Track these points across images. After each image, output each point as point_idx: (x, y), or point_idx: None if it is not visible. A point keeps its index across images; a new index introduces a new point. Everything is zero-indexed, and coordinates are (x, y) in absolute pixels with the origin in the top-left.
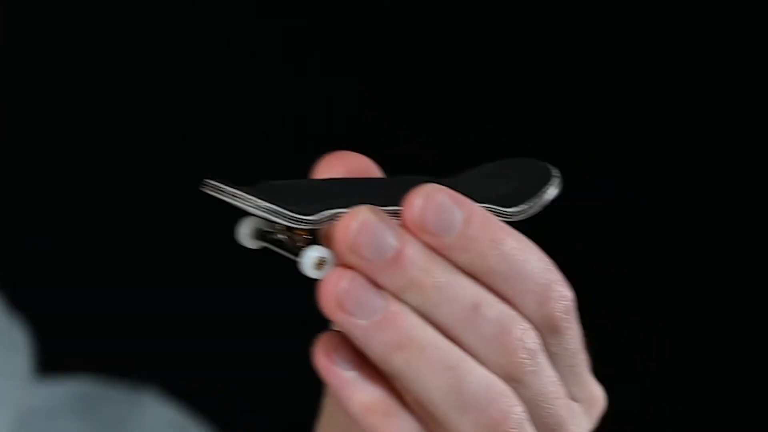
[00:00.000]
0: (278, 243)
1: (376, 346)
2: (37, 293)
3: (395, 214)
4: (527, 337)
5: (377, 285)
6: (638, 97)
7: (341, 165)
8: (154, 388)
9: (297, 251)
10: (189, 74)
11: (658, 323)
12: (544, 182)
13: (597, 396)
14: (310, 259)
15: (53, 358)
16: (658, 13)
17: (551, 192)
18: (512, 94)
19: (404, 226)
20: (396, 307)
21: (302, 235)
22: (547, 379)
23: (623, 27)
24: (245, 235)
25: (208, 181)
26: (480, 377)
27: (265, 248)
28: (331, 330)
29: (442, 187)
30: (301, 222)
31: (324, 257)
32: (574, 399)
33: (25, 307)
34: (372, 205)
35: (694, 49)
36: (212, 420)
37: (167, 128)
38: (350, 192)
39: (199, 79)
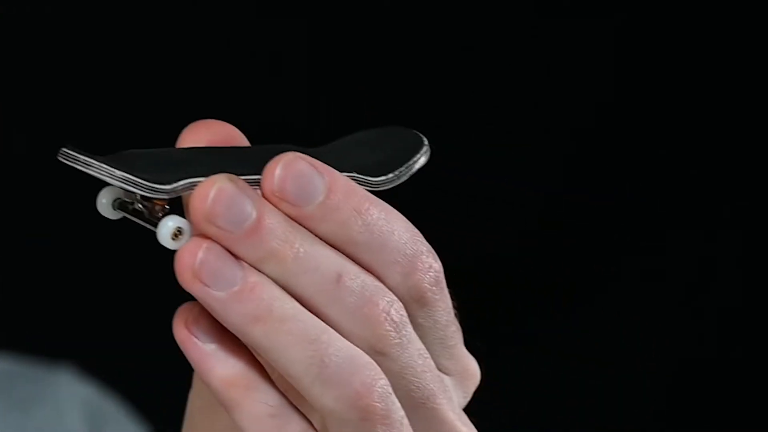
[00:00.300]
0: (137, 213)
1: (233, 317)
2: None
3: (256, 183)
4: (392, 308)
5: (236, 256)
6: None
7: (207, 133)
8: (72, 366)
9: (155, 222)
10: (189, 75)
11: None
12: (415, 151)
13: (472, 370)
14: (167, 229)
15: None
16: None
17: (420, 161)
18: (511, 94)
19: (264, 195)
20: (254, 277)
21: (161, 205)
22: (414, 351)
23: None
24: (104, 204)
25: (63, 149)
26: (342, 349)
27: (125, 218)
28: (191, 301)
29: (303, 155)
30: (157, 191)
31: (181, 227)
32: (446, 372)
33: None
34: (230, 174)
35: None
36: (130, 398)
37: (165, 129)
38: (211, 161)
39: (198, 81)
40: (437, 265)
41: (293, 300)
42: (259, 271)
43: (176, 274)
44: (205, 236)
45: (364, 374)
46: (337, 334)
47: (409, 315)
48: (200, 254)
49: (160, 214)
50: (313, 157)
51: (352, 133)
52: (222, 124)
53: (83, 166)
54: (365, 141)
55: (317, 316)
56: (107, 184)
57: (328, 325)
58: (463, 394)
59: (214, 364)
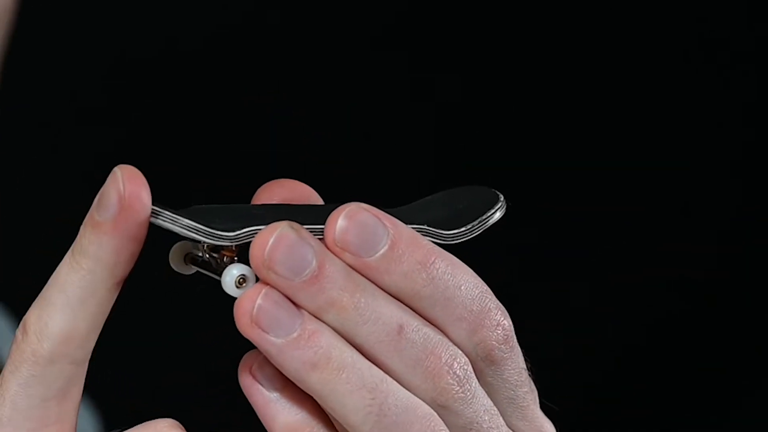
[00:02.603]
0: (206, 265)
1: (291, 364)
2: None
3: (320, 233)
4: (455, 362)
5: (296, 303)
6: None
7: (281, 191)
8: None
9: (222, 271)
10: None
11: None
12: (491, 206)
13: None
14: (230, 276)
15: None
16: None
17: (496, 216)
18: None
19: (326, 244)
20: (312, 325)
21: (230, 255)
22: (480, 408)
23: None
24: (176, 260)
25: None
26: (402, 399)
27: (197, 272)
28: (255, 349)
29: (368, 206)
30: (220, 238)
31: (245, 275)
32: None
33: None
34: (292, 221)
35: None
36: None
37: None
38: (278, 213)
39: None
40: (507, 322)
41: (352, 348)
42: (319, 319)
43: (235, 319)
44: (267, 283)
45: (424, 424)
46: (397, 384)
47: (477, 372)
48: (259, 300)
49: (227, 265)
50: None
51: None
52: (297, 183)
53: (150, 215)
54: (439, 199)
55: (377, 366)
56: (176, 237)
57: (389, 375)
58: None
59: (277, 411)
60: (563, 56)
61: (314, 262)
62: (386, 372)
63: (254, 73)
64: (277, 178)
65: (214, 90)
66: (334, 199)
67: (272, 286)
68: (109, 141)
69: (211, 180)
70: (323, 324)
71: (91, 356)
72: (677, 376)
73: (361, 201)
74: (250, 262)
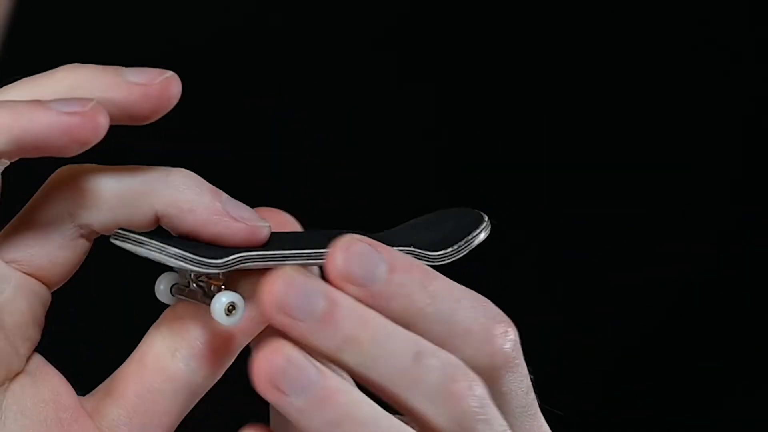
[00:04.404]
0: (193, 294)
1: (314, 425)
2: None
3: (313, 258)
4: (474, 384)
5: (312, 348)
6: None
7: None
8: None
9: (210, 299)
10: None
11: None
12: (475, 227)
13: None
14: (220, 304)
15: None
16: None
17: (481, 236)
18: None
19: (329, 281)
20: (332, 381)
21: (217, 284)
22: (500, 427)
23: None
24: (162, 291)
25: (116, 230)
26: None
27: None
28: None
29: (360, 236)
30: (208, 266)
31: (234, 302)
32: None
33: None
34: (295, 265)
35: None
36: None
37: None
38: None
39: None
40: (512, 328)
41: (372, 403)
42: (338, 360)
43: (252, 381)
44: (280, 336)
45: None
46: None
47: (490, 386)
48: (277, 361)
49: (216, 292)
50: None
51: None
52: (277, 212)
53: (134, 245)
54: (423, 222)
55: (398, 403)
56: (163, 268)
57: (410, 410)
58: None
59: None
60: (563, 58)
61: (325, 301)
62: (408, 408)
63: (255, 76)
64: (278, 180)
65: (214, 92)
66: (335, 200)
67: (285, 336)
68: (110, 143)
69: (211, 182)
70: (342, 379)
71: (91, 356)
72: (677, 376)
73: (362, 203)
74: (262, 308)
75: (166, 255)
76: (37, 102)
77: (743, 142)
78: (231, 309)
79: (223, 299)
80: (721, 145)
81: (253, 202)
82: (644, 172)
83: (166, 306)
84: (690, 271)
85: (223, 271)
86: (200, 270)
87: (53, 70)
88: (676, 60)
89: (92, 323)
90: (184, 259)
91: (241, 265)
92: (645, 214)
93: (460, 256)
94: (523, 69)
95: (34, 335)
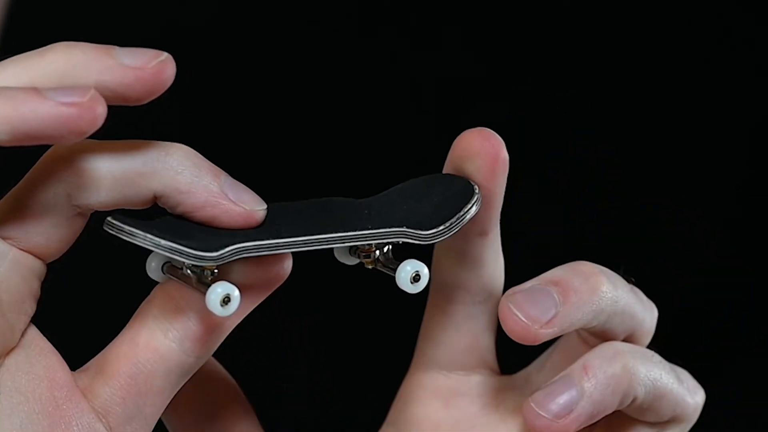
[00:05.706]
0: (186, 278)
1: None
2: None
3: (306, 245)
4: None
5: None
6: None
7: None
8: None
9: (204, 287)
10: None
11: None
12: (465, 200)
13: None
14: (215, 295)
15: None
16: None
17: (472, 211)
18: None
19: None
20: None
21: (209, 269)
22: None
23: None
24: (154, 269)
25: (108, 219)
26: None
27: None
28: None
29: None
30: (203, 259)
31: (229, 293)
32: None
33: None
34: (289, 252)
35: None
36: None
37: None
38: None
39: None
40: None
41: None
42: None
43: None
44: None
45: None
46: None
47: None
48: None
49: (209, 279)
50: (361, 209)
51: (401, 183)
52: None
53: (128, 236)
54: (412, 191)
55: None
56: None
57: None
58: None
59: None
60: (564, 58)
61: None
62: None
63: (256, 57)
64: (276, 176)
65: (212, 89)
66: (335, 177)
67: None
68: (106, 120)
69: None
70: None
71: (83, 331)
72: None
73: (362, 198)
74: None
75: (160, 249)
76: (35, 91)
77: (746, 142)
78: (227, 300)
79: (218, 290)
80: (722, 144)
81: (253, 183)
82: (645, 170)
83: (157, 282)
84: (692, 270)
85: (218, 264)
86: (195, 263)
87: (45, 48)
88: (676, 60)
89: (83, 298)
90: (179, 252)
91: (236, 257)
92: (645, 213)
93: (452, 234)
94: (524, 69)
95: (30, 309)
